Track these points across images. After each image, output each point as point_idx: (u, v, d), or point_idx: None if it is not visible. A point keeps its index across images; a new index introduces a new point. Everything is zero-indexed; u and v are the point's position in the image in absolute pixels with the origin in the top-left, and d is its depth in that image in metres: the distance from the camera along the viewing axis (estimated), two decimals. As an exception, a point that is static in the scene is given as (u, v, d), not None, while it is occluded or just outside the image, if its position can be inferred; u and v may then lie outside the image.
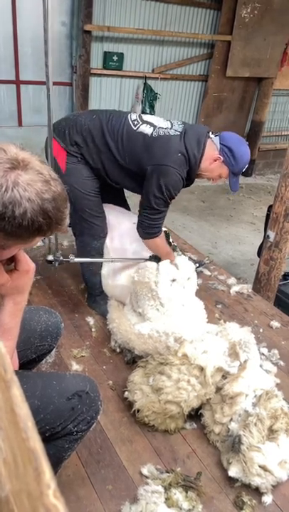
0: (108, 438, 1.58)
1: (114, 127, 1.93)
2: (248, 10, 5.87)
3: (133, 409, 1.62)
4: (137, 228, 2.04)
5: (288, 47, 6.70)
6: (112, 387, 1.80)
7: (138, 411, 1.61)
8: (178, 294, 1.96)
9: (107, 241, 2.16)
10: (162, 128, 1.93)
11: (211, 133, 1.97)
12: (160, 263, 2.03)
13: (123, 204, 2.35)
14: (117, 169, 1.98)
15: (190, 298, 2.06)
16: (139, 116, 2.00)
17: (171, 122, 1.98)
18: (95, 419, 1.23)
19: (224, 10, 5.81)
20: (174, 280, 1.99)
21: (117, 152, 1.92)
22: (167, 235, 2.30)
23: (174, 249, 2.28)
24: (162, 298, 1.90)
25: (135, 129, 1.93)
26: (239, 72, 6.30)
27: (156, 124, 1.96)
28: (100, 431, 1.59)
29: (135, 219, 2.15)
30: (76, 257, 2.12)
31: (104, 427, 1.61)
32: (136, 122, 1.96)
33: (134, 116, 1.99)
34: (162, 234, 2.08)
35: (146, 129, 1.92)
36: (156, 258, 2.10)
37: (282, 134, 7.65)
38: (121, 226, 2.19)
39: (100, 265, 2.20)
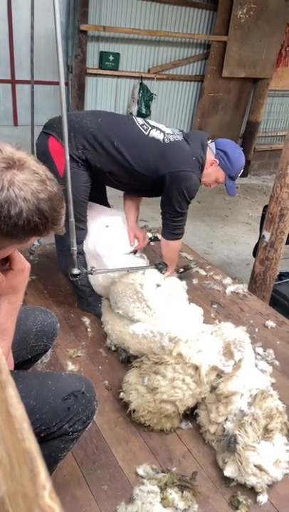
0: (104, 438, 1.58)
1: (123, 132, 1.92)
2: (244, 11, 5.89)
3: (129, 410, 1.62)
4: (163, 232, 2.15)
5: (283, 48, 6.73)
6: (107, 387, 1.80)
7: (134, 411, 1.61)
8: (164, 298, 1.97)
9: (84, 244, 2.16)
10: (169, 134, 1.97)
11: (208, 138, 2.01)
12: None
13: (103, 199, 2.34)
14: (127, 173, 1.98)
15: (181, 304, 2.06)
16: (146, 121, 2.02)
17: (170, 129, 2.02)
18: (91, 420, 1.22)
19: (220, 10, 5.82)
20: (158, 285, 2.01)
21: (129, 157, 1.92)
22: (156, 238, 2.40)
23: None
24: (148, 300, 1.90)
25: (146, 134, 1.94)
26: (235, 72, 6.31)
27: (163, 129, 1.99)
28: (95, 431, 1.59)
29: (109, 220, 2.18)
30: (58, 260, 2.17)
31: (100, 427, 1.61)
32: (145, 127, 1.97)
33: (141, 121, 2.00)
34: (182, 239, 2.18)
35: (158, 135, 1.95)
36: (163, 265, 2.15)
37: (278, 134, 7.68)
38: (95, 229, 2.18)
39: (86, 266, 2.19)
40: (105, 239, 2.18)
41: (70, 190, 1.71)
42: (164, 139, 1.92)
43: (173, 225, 2.08)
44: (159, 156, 1.91)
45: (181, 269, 2.71)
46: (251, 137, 7.31)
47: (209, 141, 2.00)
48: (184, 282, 2.31)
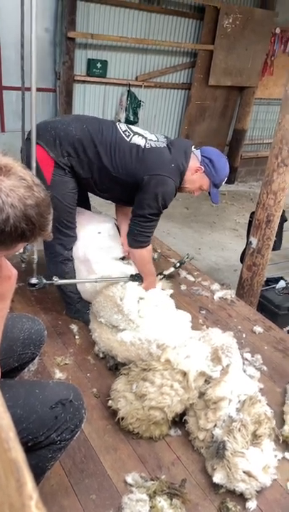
0: (92, 447, 1.56)
1: (106, 138, 1.93)
2: (230, 20, 5.99)
3: (117, 417, 1.61)
4: (127, 236, 2.06)
5: (268, 57, 6.85)
6: (96, 394, 1.78)
7: (122, 419, 1.60)
8: (148, 311, 1.93)
9: (74, 249, 2.15)
10: (152, 140, 1.97)
11: (192, 146, 2.02)
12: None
13: (85, 204, 2.34)
14: (108, 180, 1.98)
15: (168, 311, 2.04)
16: (129, 127, 2.03)
17: (155, 135, 2.03)
18: (79, 428, 1.21)
19: (206, 20, 5.91)
20: (141, 298, 1.97)
21: (109, 163, 1.92)
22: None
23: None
24: (129, 314, 1.88)
25: (128, 140, 1.95)
26: (221, 81, 6.40)
27: (146, 135, 2.00)
28: (83, 439, 1.57)
29: (101, 227, 2.17)
30: (47, 268, 2.12)
31: (88, 436, 1.59)
32: (127, 133, 1.97)
33: (124, 127, 2.01)
34: (150, 248, 2.09)
35: (139, 141, 1.95)
36: (138, 278, 2.08)
37: (264, 142, 7.79)
38: (86, 235, 2.18)
39: (75, 273, 2.18)
40: (96, 245, 2.17)
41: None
42: (144, 145, 1.93)
43: (138, 231, 1.99)
44: (138, 161, 1.91)
45: (178, 264, 2.73)
46: (238, 145, 7.40)
47: (195, 149, 2.02)
48: (170, 291, 2.31)
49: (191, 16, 6.00)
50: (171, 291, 2.30)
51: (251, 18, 6.17)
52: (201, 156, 1.99)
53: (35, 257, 2.08)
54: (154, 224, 2.03)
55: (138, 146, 1.93)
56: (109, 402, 1.66)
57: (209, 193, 2.05)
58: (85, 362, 1.96)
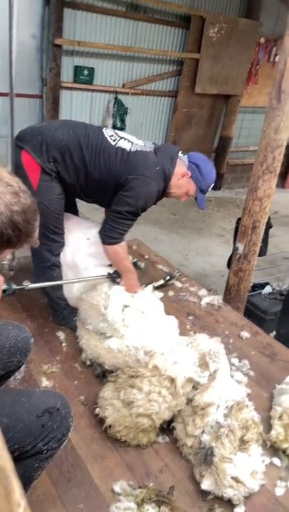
0: (79, 455, 1.54)
1: (92, 142, 1.93)
2: (215, 30, 6.09)
3: (105, 425, 1.59)
4: (99, 231, 2.01)
5: (253, 66, 6.98)
6: (83, 402, 1.77)
7: (110, 427, 1.59)
8: (134, 319, 1.91)
9: (61, 255, 2.14)
10: (138, 145, 1.98)
11: (180, 152, 2.03)
12: (112, 287, 1.99)
13: (73, 210, 2.34)
14: (93, 184, 1.98)
15: (156, 320, 2.02)
16: (116, 132, 2.03)
17: (143, 141, 2.04)
18: (66, 437, 1.20)
19: (192, 29, 6.00)
20: (126, 306, 1.94)
21: (94, 167, 1.92)
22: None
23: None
24: (114, 323, 1.85)
25: (114, 144, 1.95)
26: (207, 89, 6.49)
27: (132, 140, 2.01)
28: (70, 448, 1.55)
29: (89, 233, 2.17)
30: (33, 274, 2.10)
31: (75, 444, 1.58)
32: (114, 138, 1.98)
33: (110, 132, 2.02)
34: (124, 244, 2.02)
35: (125, 144, 1.96)
36: (116, 275, 2.05)
37: (249, 149, 7.90)
38: (74, 240, 2.17)
39: (62, 279, 2.17)
40: (84, 251, 2.16)
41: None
42: (130, 148, 1.95)
43: (111, 226, 1.93)
44: (122, 163, 1.91)
45: (168, 277, 2.73)
46: (224, 152, 7.49)
47: (182, 154, 2.03)
48: (160, 294, 2.31)
49: (177, 24, 6.07)
50: (161, 295, 2.29)
51: (236, 27, 6.28)
52: (188, 161, 2.00)
53: (6, 262, 2.04)
54: (129, 223, 1.97)
55: (123, 149, 1.94)
56: (97, 409, 1.65)
57: (196, 198, 2.07)
58: (72, 369, 1.94)
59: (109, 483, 1.45)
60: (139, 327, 1.90)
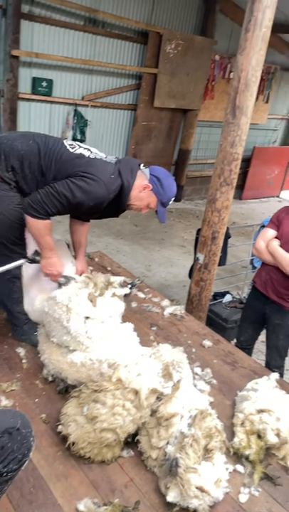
0: (41, 476, 1.49)
1: (50, 151, 1.92)
2: (172, 46, 6.27)
3: (68, 443, 1.55)
4: (27, 197, 1.88)
5: (209, 82, 7.23)
6: (45, 420, 1.71)
7: (73, 444, 1.55)
8: (96, 329, 1.89)
9: (23, 267, 2.10)
10: (99, 154, 1.99)
11: (141, 165, 2.05)
12: (73, 301, 1.95)
13: None
14: None
15: (115, 328, 2.01)
16: (77, 143, 2.04)
17: (105, 154, 2.05)
18: (27, 457, 1.16)
19: (150, 45, 6.14)
20: (87, 317, 1.91)
21: (52, 175, 1.91)
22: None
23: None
24: (78, 336, 1.83)
25: (72, 151, 1.95)
26: (165, 103, 6.64)
27: (93, 150, 2.02)
28: (32, 469, 1.50)
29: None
30: None
31: (37, 464, 1.52)
32: (73, 146, 1.99)
33: (70, 142, 2.03)
34: (48, 224, 1.89)
35: (84, 152, 1.97)
36: (36, 255, 2.00)
37: (208, 162, 8.13)
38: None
39: (22, 293, 2.12)
40: None
41: None
42: (89, 155, 1.95)
43: (40, 198, 1.81)
44: (78, 166, 1.90)
45: (129, 285, 2.72)
46: (183, 164, 7.67)
47: (143, 167, 2.06)
48: (118, 300, 2.29)
49: (135, 40, 6.20)
50: (122, 302, 2.27)
51: (192, 44, 6.50)
52: (150, 174, 2.03)
53: None
54: (57, 207, 1.84)
55: (82, 155, 1.94)
56: (59, 427, 1.60)
57: (156, 211, 2.09)
58: (33, 387, 1.88)
59: (74, 502, 1.41)
60: (101, 338, 1.89)
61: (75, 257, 2.36)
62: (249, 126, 2.79)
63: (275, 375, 2.04)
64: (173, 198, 2.10)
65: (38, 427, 1.65)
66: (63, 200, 1.83)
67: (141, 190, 2.00)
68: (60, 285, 2.05)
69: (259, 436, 1.67)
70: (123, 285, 2.34)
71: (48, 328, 1.95)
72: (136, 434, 1.64)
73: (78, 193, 1.83)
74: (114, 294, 2.44)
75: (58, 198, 1.82)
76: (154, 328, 2.46)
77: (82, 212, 2.02)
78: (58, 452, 1.59)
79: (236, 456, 1.66)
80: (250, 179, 9.30)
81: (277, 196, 10.50)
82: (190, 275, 3.41)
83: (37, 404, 1.79)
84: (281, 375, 2.79)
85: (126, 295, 2.65)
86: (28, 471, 1.48)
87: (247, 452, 1.63)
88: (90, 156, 1.95)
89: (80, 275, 2.25)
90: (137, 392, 1.63)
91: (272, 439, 1.65)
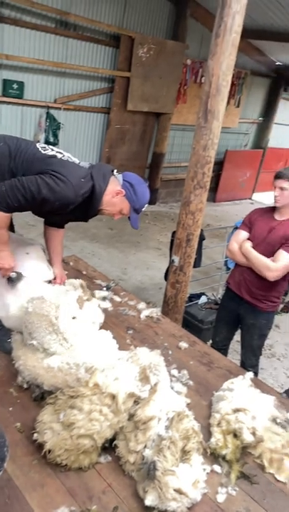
0: (17, 486, 1.46)
1: (21, 152, 1.90)
2: (144, 50, 6.31)
3: (44, 451, 1.52)
4: None
5: (182, 86, 7.31)
6: (19, 429, 1.68)
7: (49, 451, 1.52)
8: (81, 329, 1.93)
9: None
10: (71, 158, 1.97)
11: (115, 171, 2.05)
12: (62, 300, 1.98)
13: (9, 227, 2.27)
14: None
15: (95, 331, 2.04)
16: (49, 147, 2.02)
17: (78, 160, 2.04)
18: (1, 468, 1.13)
19: (122, 48, 6.16)
20: (74, 317, 1.95)
21: (21, 173, 1.88)
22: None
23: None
24: (64, 333, 1.85)
25: (44, 152, 1.93)
26: (138, 106, 6.67)
27: (66, 154, 2.00)
28: (7, 479, 1.46)
29: (29, 248, 2.14)
30: None
31: (12, 474, 1.49)
32: (45, 149, 1.97)
33: (43, 145, 2.00)
34: (6, 218, 1.84)
35: (56, 154, 1.95)
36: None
37: (181, 165, 8.21)
38: (13, 256, 2.11)
39: None
40: (25, 265, 2.09)
41: None
42: (61, 158, 1.94)
43: (5, 189, 1.76)
44: (48, 165, 1.88)
45: (104, 288, 2.71)
46: (157, 167, 7.71)
47: (117, 173, 2.06)
48: (100, 310, 2.29)
49: (107, 43, 6.20)
50: (102, 314, 2.28)
51: (164, 49, 6.56)
52: (123, 180, 2.03)
53: None
54: (20, 201, 1.79)
55: (54, 156, 1.92)
56: (35, 435, 1.57)
57: (129, 218, 2.09)
58: (7, 395, 1.84)
59: (50, 511, 1.39)
60: (84, 337, 1.91)
61: (51, 264, 2.34)
62: (221, 130, 2.84)
63: (250, 375, 2.07)
64: (146, 205, 2.10)
65: (13, 436, 1.61)
66: (28, 195, 1.77)
67: (114, 195, 2.00)
68: (10, 280, 2.00)
69: (235, 436, 1.69)
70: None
71: (31, 329, 1.92)
72: (113, 439, 1.62)
73: (44, 189, 1.78)
74: (99, 305, 2.45)
75: (23, 192, 1.77)
76: (131, 332, 2.45)
77: (45, 211, 1.98)
78: (34, 461, 1.55)
79: (213, 456, 1.67)
80: (223, 182, 9.46)
81: (250, 198, 10.72)
82: (166, 277, 3.43)
83: (11, 413, 1.75)
84: (256, 373, 2.83)
85: (101, 298, 2.66)
86: (3, 481, 1.44)
87: (224, 452, 1.65)
88: (63, 158, 1.93)
89: (61, 283, 2.25)
90: (114, 397, 1.61)
91: (248, 437, 1.67)
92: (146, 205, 2.09)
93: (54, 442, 1.52)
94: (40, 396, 1.83)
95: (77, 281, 2.30)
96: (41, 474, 1.52)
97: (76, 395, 1.62)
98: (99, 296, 2.62)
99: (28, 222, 2.16)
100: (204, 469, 1.55)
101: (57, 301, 1.97)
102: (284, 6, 5.94)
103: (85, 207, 1.98)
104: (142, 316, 2.64)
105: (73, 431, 1.53)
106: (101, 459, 1.61)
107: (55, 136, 5.86)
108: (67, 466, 1.53)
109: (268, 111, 10.21)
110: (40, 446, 1.55)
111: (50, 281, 2.24)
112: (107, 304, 2.60)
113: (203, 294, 4.21)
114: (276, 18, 6.45)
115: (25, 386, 1.88)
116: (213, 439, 1.69)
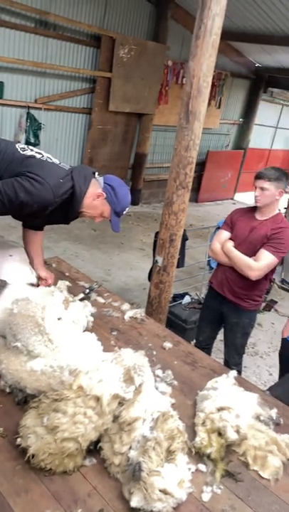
0: (0, 492, 1.43)
1: (1, 152, 1.87)
2: (125, 50, 6.31)
3: (27, 456, 1.50)
4: None
5: (163, 87, 7.33)
6: (2, 434, 1.65)
7: (33, 456, 1.50)
8: (66, 331, 1.93)
9: None
10: (51, 158, 1.95)
11: (96, 174, 2.04)
12: (48, 301, 1.97)
13: None
14: None
15: (79, 334, 2.04)
16: (29, 147, 1.99)
17: (58, 161, 2.01)
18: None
19: (103, 49, 6.14)
20: (59, 319, 1.95)
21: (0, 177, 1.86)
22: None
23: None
24: (50, 334, 1.84)
25: (23, 153, 1.91)
26: (120, 107, 6.66)
27: (45, 154, 1.98)
28: (-10, 486, 1.44)
29: (12, 250, 2.13)
30: None
31: (-5, 481, 1.46)
32: (24, 149, 1.94)
33: (22, 146, 1.98)
34: None
35: (35, 154, 1.92)
36: None
37: (164, 165, 8.24)
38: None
39: None
40: (8, 267, 2.07)
41: None
42: (40, 158, 1.92)
43: None
44: (25, 166, 1.86)
45: (87, 290, 2.69)
46: (140, 168, 7.72)
47: (98, 176, 2.05)
48: (87, 310, 2.28)
49: (88, 43, 6.18)
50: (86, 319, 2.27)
51: (145, 49, 6.57)
52: (104, 183, 2.01)
53: None
54: None
55: (33, 156, 1.90)
56: (18, 439, 1.55)
57: (110, 220, 2.08)
58: (-11, 400, 1.81)
59: (35, 517, 1.37)
60: (70, 340, 1.90)
61: (34, 267, 2.32)
62: (202, 131, 2.86)
63: (234, 373, 2.09)
64: (127, 208, 2.09)
65: (-4, 442, 1.58)
66: (5, 199, 1.76)
67: (94, 198, 1.99)
68: None
69: (220, 434, 1.70)
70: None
71: (15, 330, 1.90)
72: (98, 441, 1.61)
73: (22, 193, 1.77)
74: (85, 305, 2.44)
75: (1, 198, 1.76)
76: (115, 333, 2.45)
77: (25, 214, 1.96)
78: (17, 466, 1.53)
79: (198, 455, 1.68)
80: (205, 182, 9.54)
81: (232, 198, 10.83)
82: (149, 278, 3.43)
83: (-6, 418, 1.72)
84: (239, 372, 2.86)
85: (82, 299, 2.64)
86: (-14, 488, 1.41)
87: (208, 451, 1.65)
88: (42, 158, 1.91)
89: (52, 283, 2.23)
90: (98, 399, 1.61)
91: (232, 436, 1.69)
92: (127, 209, 2.09)
93: (38, 446, 1.50)
94: (23, 400, 1.80)
95: (63, 283, 2.29)
96: (25, 479, 1.50)
97: (60, 398, 1.60)
98: (77, 299, 2.61)
99: (10, 223, 2.14)
100: (189, 469, 1.55)
101: (43, 302, 1.96)
102: (263, 8, 6.03)
103: (65, 209, 1.97)
104: (126, 317, 2.63)
105: (57, 434, 1.51)
106: (86, 461, 1.59)
107: (36, 136, 5.80)
108: (52, 470, 1.52)
109: (249, 112, 10.35)
110: (23, 451, 1.53)
111: (33, 285, 2.22)
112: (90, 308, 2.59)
113: (186, 293, 4.23)
114: (255, 21, 6.55)
115: (7, 390, 1.85)
116: (197, 438, 1.69)
